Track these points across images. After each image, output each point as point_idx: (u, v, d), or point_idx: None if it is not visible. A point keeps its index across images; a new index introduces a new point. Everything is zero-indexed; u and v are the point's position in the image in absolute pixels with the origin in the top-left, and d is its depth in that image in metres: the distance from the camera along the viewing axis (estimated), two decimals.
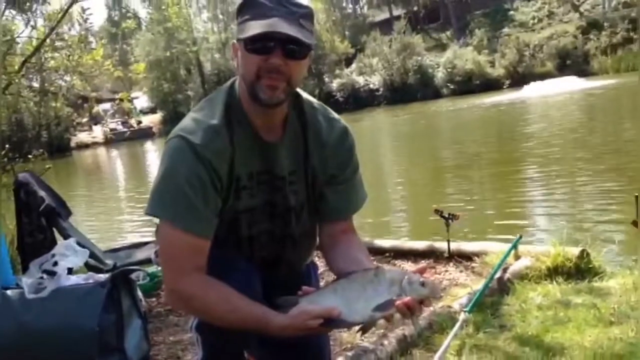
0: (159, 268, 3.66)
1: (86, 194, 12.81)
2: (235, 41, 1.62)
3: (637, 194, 2.88)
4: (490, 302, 2.75)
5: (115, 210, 10.15)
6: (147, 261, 3.63)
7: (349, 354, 2.14)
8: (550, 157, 9.14)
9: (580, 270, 3.18)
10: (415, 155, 12.57)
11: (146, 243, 4.07)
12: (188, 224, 1.54)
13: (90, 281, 2.69)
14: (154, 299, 3.70)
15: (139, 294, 2.93)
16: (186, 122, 1.64)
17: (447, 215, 3.63)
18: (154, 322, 3.26)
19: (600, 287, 2.91)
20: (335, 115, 1.79)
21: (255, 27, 1.52)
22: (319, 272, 2.21)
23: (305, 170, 1.71)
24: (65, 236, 3.30)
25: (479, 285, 3.06)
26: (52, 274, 2.69)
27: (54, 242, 3.32)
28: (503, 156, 10.40)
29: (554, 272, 3.16)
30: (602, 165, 7.84)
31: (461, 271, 3.52)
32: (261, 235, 1.73)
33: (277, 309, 1.53)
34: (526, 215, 5.96)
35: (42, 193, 3.23)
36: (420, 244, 3.93)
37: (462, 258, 3.62)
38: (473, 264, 3.55)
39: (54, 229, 3.33)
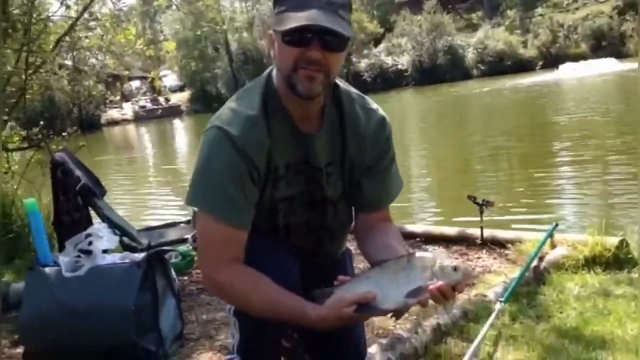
0: (191, 247, 3.69)
1: (117, 171, 12.96)
2: (271, 31, 1.59)
3: None
4: (526, 291, 2.70)
5: (145, 189, 10.26)
6: (180, 241, 3.66)
7: (384, 341, 2.12)
8: (587, 143, 8.93)
9: (619, 261, 3.12)
10: (444, 139, 12.43)
11: (179, 223, 4.10)
12: (226, 215, 1.55)
13: (126, 261, 2.71)
14: (186, 278, 3.74)
15: (173, 273, 2.96)
16: (224, 112, 1.63)
17: (480, 202, 3.58)
18: (187, 301, 3.29)
19: (639, 279, 2.85)
20: (374, 105, 1.76)
21: (293, 20, 1.49)
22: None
23: (342, 162, 1.70)
24: (101, 215, 3.34)
25: (513, 273, 3.02)
26: (88, 253, 2.72)
27: (89, 221, 3.36)
28: (535, 141, 10.21)
29: (591, 262, 3.11)
30: None
31: (495, 258, 3.48)
32: (298, 226, 1.74)
33: (313, 300, 1.53)
34: (561, 203, 5.83)
35: (78, 172, 3.26)
36: (452, 230, 3.89)
37: (496, 245, 3.57)
38: (507, 251, 3.50)
39: (90, 208, 3.37)
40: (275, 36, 1.57)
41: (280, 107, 1.61)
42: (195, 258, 3.90)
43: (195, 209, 1.63)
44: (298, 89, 1.55)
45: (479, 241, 3.64)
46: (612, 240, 3.20)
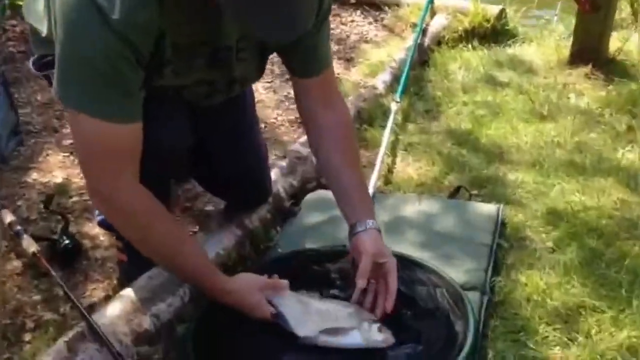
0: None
1: None
2: None
3: None
4: (412, 77, 2.52)
5: None
6: None
7: (283, 164, 1.87)
8: None
9: (496, 32, 3.05)
10: None
11: None
12: (114, 111, 1.14)
13: None
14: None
15: None
16: None
17: None
18: (9, 70, 2.70)
19: (520, 59, 2.81)
20: None
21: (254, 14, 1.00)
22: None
23: None
24: None
25: (392, 47, 2.84)
26: None
27: None
28: None
29: (470, 35, 3.00)
30: None
31: (370, 23, 3.21)
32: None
33: None
34: None
35: None
36: None
37: (371, 7, 3.27)
38: (382, 15, 3.24)
39: None
40: None
41: None
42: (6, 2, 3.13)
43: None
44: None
45: (352, 0, 3.30)
46: (493, 10, 3.08)
